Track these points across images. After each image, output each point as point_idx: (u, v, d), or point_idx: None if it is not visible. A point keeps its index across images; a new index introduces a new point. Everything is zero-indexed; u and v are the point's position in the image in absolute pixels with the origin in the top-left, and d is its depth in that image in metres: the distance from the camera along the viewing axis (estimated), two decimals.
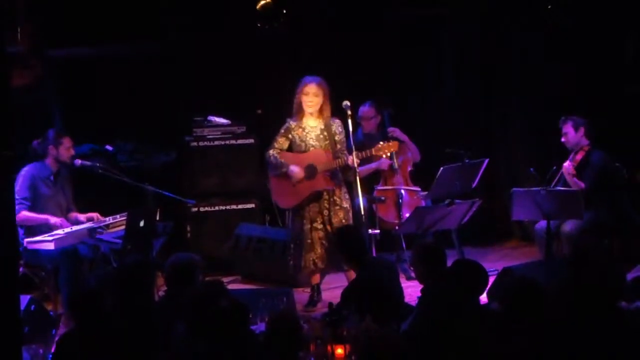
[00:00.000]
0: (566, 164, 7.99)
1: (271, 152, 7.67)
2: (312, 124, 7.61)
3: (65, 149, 7.60)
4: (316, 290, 7.76)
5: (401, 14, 9.52)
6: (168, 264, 5.94)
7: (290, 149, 7.70)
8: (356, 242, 6.58)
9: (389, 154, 7.85)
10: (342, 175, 7.65)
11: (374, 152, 7.67)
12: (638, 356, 4.57)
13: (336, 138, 7.58)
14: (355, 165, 7.48)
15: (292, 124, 7.65)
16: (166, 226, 7.67)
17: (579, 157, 8.05)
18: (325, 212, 7.55)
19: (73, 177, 7.90)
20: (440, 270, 5.76)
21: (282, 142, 7.68)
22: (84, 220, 7.64)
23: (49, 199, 7.57)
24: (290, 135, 7.66)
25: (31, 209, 7.45)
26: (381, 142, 7.75)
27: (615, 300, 4.82)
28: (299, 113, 7.62)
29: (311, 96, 7.55)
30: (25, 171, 7.52)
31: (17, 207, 7.27)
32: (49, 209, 7.55)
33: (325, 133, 7.57)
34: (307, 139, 7.60)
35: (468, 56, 9.84)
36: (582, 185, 7.87)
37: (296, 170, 7.55)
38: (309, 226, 7.57)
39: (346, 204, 7.58)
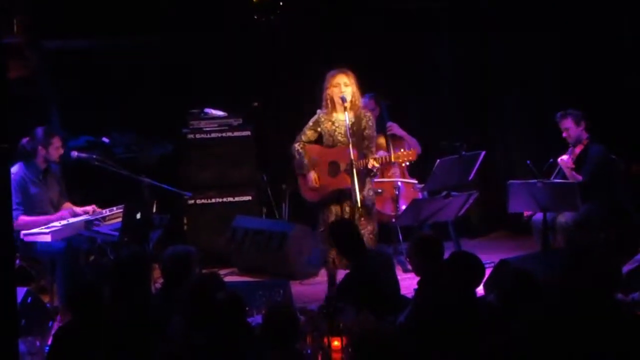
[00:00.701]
0: (565, 157, 7.98)
1: (296, 146, 7.56)
2: (342, 117, 7.45)
3: (55, 149, 7.53)
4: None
5: (399, 7, 9.51)
6: (165, 256, 5.94)
7: (320, 139, 7.60)
8: (351, 235, 6.56)
9: (407, 162, 7.78)
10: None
11: (392, 159, 7.59)
12: (634, 347, 4.58)
13: (365, 133, 7.47)
14: (375, 170, 7.40)
15: (322, 116, 7.52)
16: (163, 219, 7.66)
17: (577, 150, 8.05)
18: (348, 209, 7.45)
19: (65, 171, 7.88)
20: (437, 263, 5.76)
21: (309, 135, 7.58)
22: (80, 212, 7.63)
23: (39, 197, 7.54)
24: (319, 128, 7.54)
25: (25, 212, 7.44)
26: (402, 150, 7.70)
27: (612, 292, 4.83)
28: (329, 107, 7.52)
29: (343, 87, 7.45)
30: (13, 173, 7.46)
31: (13, 212, 7.27)
32: (41, 207, 7.53)
33: (355, 128, 7.45)
34: (336, 134, 7.48)
35: (466, 49, 9.83)
36: (580, 178, 7.88)
37: (312, 178, 7.47)
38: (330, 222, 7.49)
39: (370, 201, 7.47)
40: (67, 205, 7.72)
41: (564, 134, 8.08)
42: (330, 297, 5.66)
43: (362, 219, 7.39)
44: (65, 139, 7.87)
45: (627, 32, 9.18)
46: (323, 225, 7.56)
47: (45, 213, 7.53)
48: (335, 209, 7.47)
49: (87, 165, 7.81)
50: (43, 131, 7.56)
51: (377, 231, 7.54)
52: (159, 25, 9.25)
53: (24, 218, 7.39)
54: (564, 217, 7.89)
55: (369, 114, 7.58)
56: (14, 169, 7.49)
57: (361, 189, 7.29)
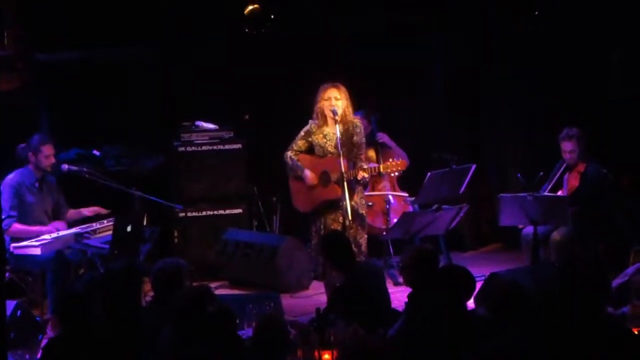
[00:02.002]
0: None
1: (288, 153, 7.60)
2: (333, 130, 7.48)
3: (44, 157, 7.53)
4: None
5: (389, 18, 9.54)
6: (155, 269, 5.93)
7: (311, 149, 7.61)
8: (342, 247, 6.56)
9: (396, 173, 7.81)
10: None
11: (381, 170, 7.60)
12: None
13: (353, 140, 7.48)
14: (365, 179, 7.39)
15: (314, 127, 7.56)
16: (153, 231, 7.66)
17: (575, 182, 8.01)
18: (341, 219, 7.45)
19: (60, 182, 7.88)
20: (432, 275, 5.74)
21: (300, 145, 7.61)
22: (88, 213, 7.63)
23: (34, 206, 7.56)
24: (310, 139, 7.58)
25: (19, 219, 7.44)
26: (390, 160, 7.72)
27: (601, 306, 4.84)
28: (320, 119, 7.54)
29: (334, 100, 7.47)
30: (9, 179, 7.49)
31: (7, 220, 7.30)
32: (35, 216, 7.55)
33: (344, 138, 7.46)
34: (327, 145, 7.51)
35: (456, 61, 9.86)
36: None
37: (309, 175, 7.47)
38: (323, 232, 7.49)
39: (362, 211, 7.46)
40: (73, 212, 7.71)
41: (568, 156, 8.01)
42: (321, 309, 5.65)
43: (359, 228, 7.39)
44: (56, 151, 7.86)
45: (616, 47, 9.22)
46: (316, 236, 7.56)
47: (40, 223, 7.54)
48: (329, 220, 7.47)
49: (78, 178, 7.80)
50: (37, 138, 7.58)
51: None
52: (150, 37, 9.26)
53: (17, 226, 7.40)
54: (558, 235, 7.89)
55: (356, 120, 7.57)
56: (11, 175, 7.51)
57: (351, 199, 7.30)
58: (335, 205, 7.42)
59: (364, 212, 7.49)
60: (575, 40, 9.23)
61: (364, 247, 7.35)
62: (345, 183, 7.26)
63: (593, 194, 7.95)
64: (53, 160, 7.61)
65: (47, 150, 7.55)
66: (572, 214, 7.71)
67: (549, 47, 9.43)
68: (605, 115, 9.08)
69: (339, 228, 7.38)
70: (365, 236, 7.45)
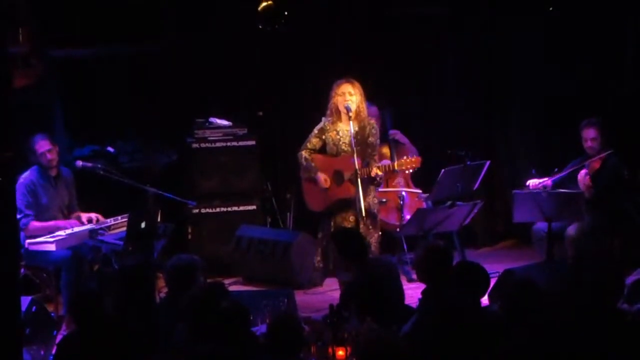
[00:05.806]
0: (583, 176, 7.89)
1: (302, 153, 7.59)
2: (346, 127, 7.44)
3: (40, 155, 7.49)
4: None
5: (402, 13, 9.52)
6: (169, 265, 5.94)
7: (324, 148, 7.61)
8: (356, 243, 6.56)
9: (410, 170, 7.79)
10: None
11: (396, 167, 7.59)
12: (638, 357, 4.57)
13: (368, 141, 7.48)
14: (378, 178, 7.39)
15: (327, 125, 7.54)
16: (167, 227, 7.66)
17: (596, 165, 7.97)
18: (352, 219, 7.44)
19: (75, 178, 7.90)
20: (445, 272, 5.73)
21: (315, 143, 7.59)
22: (84, 221, 7.65)
23: (49, 202, 7.58)
24: (323, 137, 7.56)
25: (35, 217, 7.46)
26: (405, 157, 7.71)
27: (614, 302, 4.83)
28: (334, 116, 7.53)
29: (347, 95, 7.45)
30: (23, 178, 7.51)
31: (24, 220, 7.32)
32: (50, 212, 7.56)
33: (359, 137, 7.44)
34: (340, 143, 7.49)
35: (469, 57, 9.83)
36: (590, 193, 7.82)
37: (322, 178, 7.47)
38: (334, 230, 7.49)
39: (375, 210, 7.46)
40: (76, 215, 7.73)
41: (589, 144, 7.95)
42: (335, 306, 5.64)
43: (370, 227, 7.39)
44: (71, 147, 7.88)
45: (630, 37, 9.18)
46: (323, 235, 7.56)
47: (54, 219, 7.56)
48: (339, 219, 7.48)
49: (92, 174, 7.82)
50: (31, 139, 7.54)
51: (380, 239, 7.55)
52: (164, 34, 9.27)
53: (35, 224, 7.43)
54: (572, 230, 7.86)
55: (373, 121, 7.58)
56: (25, 174, 7.53)
57: (365, 198, 7.29)
58: (348, 204, 7.41)
59: (375, 211, 7.49)
60: (588, 31, 9.19)
61: (374, 247, 7.34)
62: (359, 181, 7.25)
63: (609, 183, 7.90)
64: (52, 155, 7.55)
65: (41, 147, 7.50)
66: (588, 209, 7.69)
67: (563, 39, 9.39)
68: (619, 109, 9.03)
69: (350, 226, 7.37)
70: (377, 235, 7.45)
